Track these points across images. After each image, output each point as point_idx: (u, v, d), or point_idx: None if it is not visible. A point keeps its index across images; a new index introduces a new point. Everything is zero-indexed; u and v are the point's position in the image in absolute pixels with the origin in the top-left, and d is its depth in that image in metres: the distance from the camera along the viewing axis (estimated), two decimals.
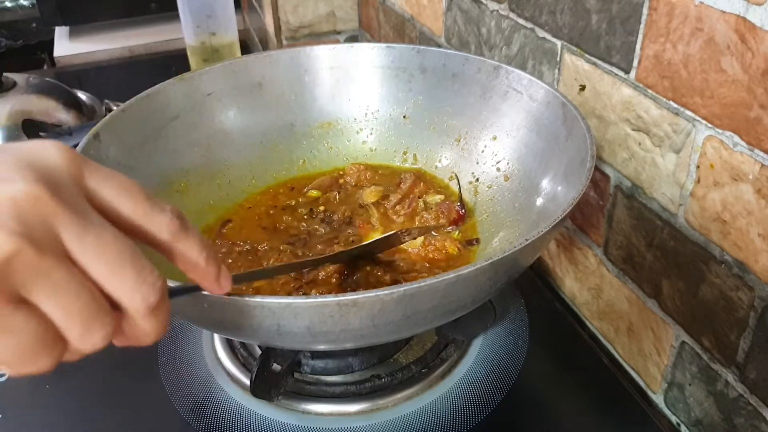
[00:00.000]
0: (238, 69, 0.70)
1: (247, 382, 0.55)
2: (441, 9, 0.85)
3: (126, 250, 0.26)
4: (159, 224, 0.29)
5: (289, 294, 0.54)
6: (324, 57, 0.72)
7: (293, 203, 0.68)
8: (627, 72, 0.53)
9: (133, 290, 0.26)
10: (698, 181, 0.48)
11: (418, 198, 0.66)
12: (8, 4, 1.81)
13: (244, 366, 0.58)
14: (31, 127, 0.91)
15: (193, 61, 1.16)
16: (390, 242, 0.58)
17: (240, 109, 0.71)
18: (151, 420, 0.55)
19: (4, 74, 1.03)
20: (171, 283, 0.30)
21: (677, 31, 0.47)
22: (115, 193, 0.28)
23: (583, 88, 0.59)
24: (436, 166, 0.71)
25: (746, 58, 0.42)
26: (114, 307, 0.26)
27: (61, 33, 1.55)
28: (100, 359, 0.60)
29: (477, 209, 0.65)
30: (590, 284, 0.65)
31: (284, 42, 1.16)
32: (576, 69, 0.60)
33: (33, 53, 1.66)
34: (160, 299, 0.27)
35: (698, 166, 0.48)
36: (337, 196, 0.68)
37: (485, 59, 0.66)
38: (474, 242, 0.61)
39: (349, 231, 0.63)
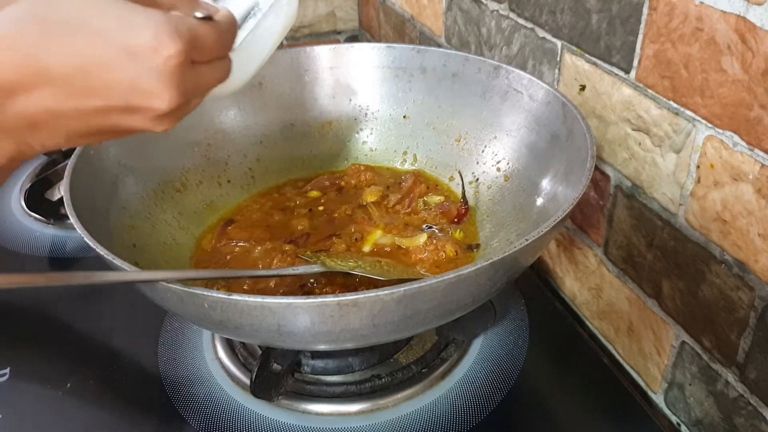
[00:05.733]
0: None
1: (247, 382, 0.55)
2: (441, 9, 0.85)
3: None
4: None
5: (293, 293, 0.54)
6: (324, 57, 0.72)
7: (293, 203, 0.68)
8: (627, 72, 0.53)
9: None
10: (698, 180, 0.48)
11: (418, 198, 0.66)
12: None
13: (244, 366, 0.58)
14: None
15: None
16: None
17: (240, 109, 0.71)
18: (151, 420, 0.55)
19: None
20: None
21: (677, 31, 0.47)
22: None
23: (583, 88, 0.59)
24: (436, 166, 0.71)
25: (746, 58, 0.42)
26: None
27: None
28: (100, 359, 0.60)
29: (477, 209, 0.65)
30: (590, 284, 0.65)
31: (284, 42, 1.16)
32: (576, 69, 0.60)
33: None
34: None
35: (698, 166, 0.48)
36: (337, 197, 0.68)
37: (485, 59, 0.66)
38: (474, 248, 0.61)
39: (351, 228, 0.63)
